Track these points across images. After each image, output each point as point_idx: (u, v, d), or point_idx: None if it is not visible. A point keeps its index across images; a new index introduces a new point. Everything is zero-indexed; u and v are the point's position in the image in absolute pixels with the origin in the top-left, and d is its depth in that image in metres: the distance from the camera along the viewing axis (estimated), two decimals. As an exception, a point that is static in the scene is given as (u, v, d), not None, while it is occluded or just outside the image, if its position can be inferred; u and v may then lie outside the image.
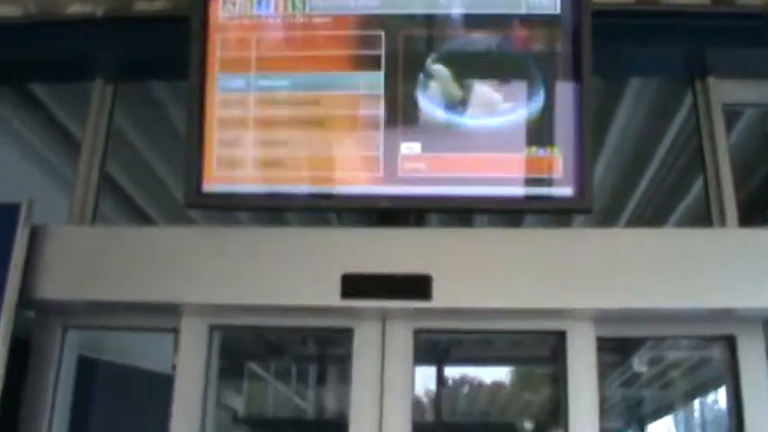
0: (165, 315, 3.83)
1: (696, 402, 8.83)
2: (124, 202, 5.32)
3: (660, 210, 5.36)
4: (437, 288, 3.59)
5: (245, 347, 7.70)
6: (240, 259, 3.73)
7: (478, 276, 3.62)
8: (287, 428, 8.92)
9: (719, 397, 8.97)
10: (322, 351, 7.90)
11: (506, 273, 3.63)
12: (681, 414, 9.01)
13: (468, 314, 3.68)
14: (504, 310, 3.63)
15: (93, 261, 3.80)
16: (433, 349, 7.12)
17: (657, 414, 9.30)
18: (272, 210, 4.24)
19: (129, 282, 3.76)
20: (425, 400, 8.59)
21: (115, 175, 4.98)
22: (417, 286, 3.59)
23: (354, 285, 3.60)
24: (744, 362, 3.70)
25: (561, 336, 3.70)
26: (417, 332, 3.72)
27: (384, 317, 3.71)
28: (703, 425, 8.90)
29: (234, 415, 8.56)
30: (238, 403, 8.64)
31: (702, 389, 8.38)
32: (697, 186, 4.60)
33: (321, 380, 8.67)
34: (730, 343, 3.75)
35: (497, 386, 9.60)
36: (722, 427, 9.01)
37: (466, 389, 9.63)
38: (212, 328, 3.84)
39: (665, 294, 3.60)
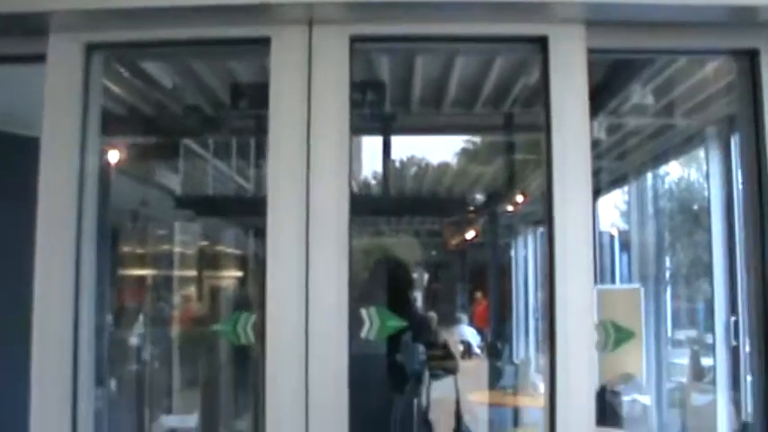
0: (28, 35, 2.76)
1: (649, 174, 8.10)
2: None
3: None
4: (379, -27, 2.52)
5: (179, 121, 6.66)
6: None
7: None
8: (227, 207, 8.09)
9: (672, 170, 8.38)
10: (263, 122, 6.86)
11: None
12: (633, 185, 8.29)
13: (421, 11, 2.62)
14: (468, 4, 2.58)
15: None
16: (379, 118, 6.17)
17: (610, 186, 8.60)
18: None
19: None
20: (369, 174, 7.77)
21: None
22: (352, -29, 2.52)
23: (268, -29, 2.52)
24: (768, 82, 2.74)
25: (541, 45, 2.69)
26: (354, 40, 2.66)
27: (310, 18, 2.64)
28: (655, 197, 8.22)
29: (172, 194, 7.72)
30: (175, 183, 7.74)
31: (657, 160, 7.59)
32: None
33: (262, 155, 7.70)
34: (751, 58, 2.79)
35: (447, 159, 8.79)
36: (675, 198, 8.42)
37: (414, 161, 8.84)
38: (89, 49, 2.78)
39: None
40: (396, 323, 2.68)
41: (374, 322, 2.64)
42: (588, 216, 2.67)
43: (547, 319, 2.64)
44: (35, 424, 2.60)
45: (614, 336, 2.65)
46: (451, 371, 6.61)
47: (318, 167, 2.62)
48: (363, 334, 2.62)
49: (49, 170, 2.68)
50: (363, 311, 2.64)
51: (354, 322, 2.61)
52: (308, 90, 2.65)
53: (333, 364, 2.51)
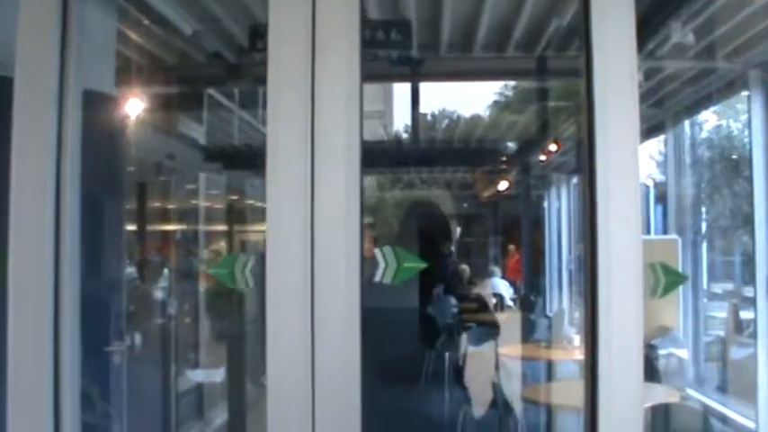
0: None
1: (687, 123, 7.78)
2: None
3: None
4: None
5: (202, 71, 6.41)
6: None
7: None
8: (255, 159, 7.85)
9: (711, 117, 8.03)
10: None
11: None
12: (670, 134, 7.96)
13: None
14: None
15: None
16: (406, 61, 5.87)
17: (645, 135, 8.27)
18: None
19: None
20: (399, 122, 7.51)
21: None
22: None
23: None
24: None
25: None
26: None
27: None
28: (693, 147, 7.91)
29: (199, 147, 7.50)
30: (199, 133, 7.51)
31: (696, 106, 7.26)
32: None
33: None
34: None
35: (479, 108, 8.50)
36: (714, 147, 8.08)
37: (445, 113, 8.57)
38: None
39: None
40: (414, 264, 2.38)
41: (390, 263, 2.36)
42: (635, 162, 2.36)
43: (587, 271, 2.36)
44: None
45: (664, 280, 2.36)
46: (491, 329, 6.38)
47: (324, 114, 2.33)
48: (378, 277, 2.34)
49: (23, 117, 2.42)
50: (377, 251, 2.35)
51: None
52: (312, 26, 2.36)
53: (341, 313, 2.24)
